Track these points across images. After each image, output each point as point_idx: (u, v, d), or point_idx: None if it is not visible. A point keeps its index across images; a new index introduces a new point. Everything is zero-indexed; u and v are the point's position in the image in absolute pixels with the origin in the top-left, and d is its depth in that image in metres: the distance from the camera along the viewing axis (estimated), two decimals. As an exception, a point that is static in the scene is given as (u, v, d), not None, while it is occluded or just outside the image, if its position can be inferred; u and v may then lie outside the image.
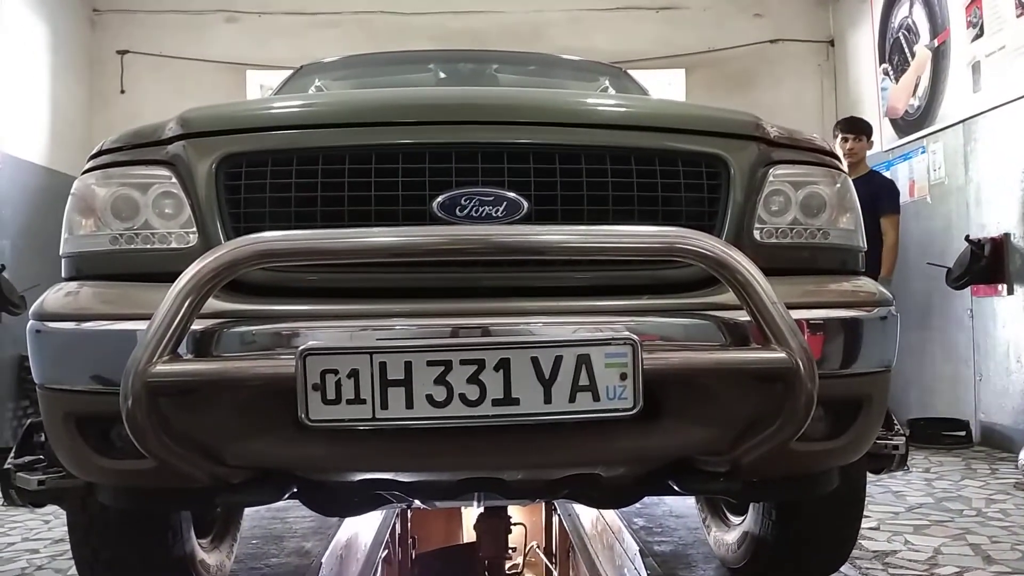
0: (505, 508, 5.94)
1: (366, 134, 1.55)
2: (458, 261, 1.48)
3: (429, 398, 1.29)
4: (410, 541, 5.38)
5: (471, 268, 1.51)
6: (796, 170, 1.67)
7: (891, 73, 5.88)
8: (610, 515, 3.18)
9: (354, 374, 1.28)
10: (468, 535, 6.66)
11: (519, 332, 1.37)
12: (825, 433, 1.58)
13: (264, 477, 1.47)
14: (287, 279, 1.50)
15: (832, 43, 6.81)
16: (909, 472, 3.98)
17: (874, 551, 2.69)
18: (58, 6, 6.02)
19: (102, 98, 6.37)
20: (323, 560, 2.33)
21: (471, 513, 6.63)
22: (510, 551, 6.61)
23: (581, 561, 3.84)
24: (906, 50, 5.64)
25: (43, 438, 1.77)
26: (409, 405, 1.29)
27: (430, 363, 1.29)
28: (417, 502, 1.94)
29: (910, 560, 2.61)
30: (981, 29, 4.75)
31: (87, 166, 1.66)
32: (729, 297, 1.44)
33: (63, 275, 1.66)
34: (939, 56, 5.22)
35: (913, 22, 5.55)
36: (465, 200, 1.50)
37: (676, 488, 1.59)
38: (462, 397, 1.29)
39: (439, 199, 1.50)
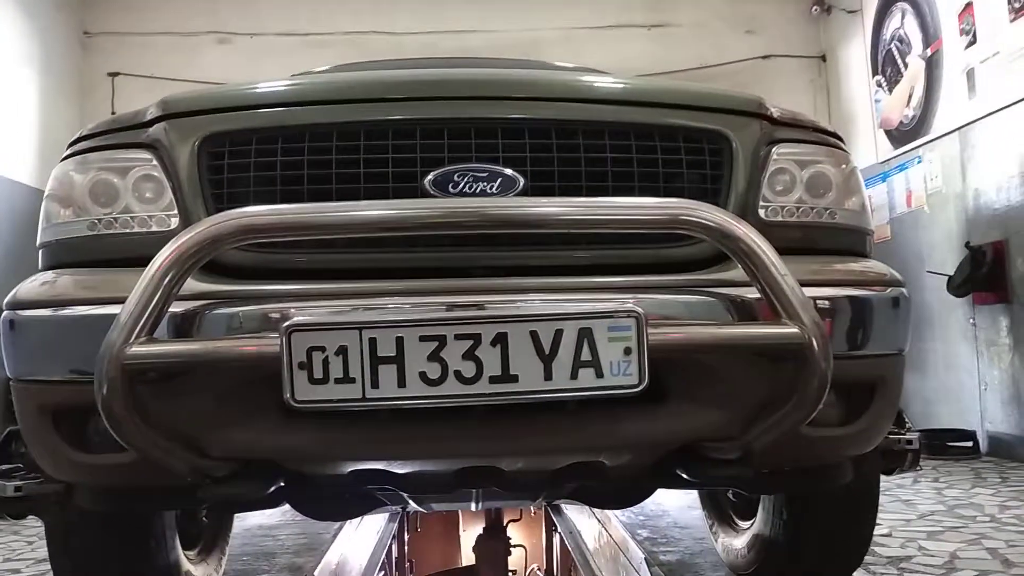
0: (504, 529, 5.85)
1: (354, 110, 1.50)
2: (453, 238, 1.42)
3: (422, 376, 1.21)
4: (407, 565, 5.25)
5: (466, 246, 1.44)
6: (801, 149, 1.63)
7: (884, 85, 5.88)
8: (614, 527, 3.09)
9: (342, 351, 1.21)
10: (467, 559, 6.54)
11: (517, 307, 1.29)
12: (838, 418, 1.51)
13: (248, 469, 1.38)
14: (273, 260, 1.43)
15: (824, 58, 6.84)
16: (918, 482, 3.90)
17: (888, 556, 2.60)
18: (49, 28, 6.01)
19: (92, 119, 6.27)
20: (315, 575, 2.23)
21: (470, 536, 6.51)
22: (510, 574, 6.49)
23: (583, 578, 3.74)
24: (899, 61, 5.65)
25: (23, 448, 1.69)
26: (401, 384, 1.21)
27: (423, 338, 1.21)
28: (412, 504, 1.85)
29: (926, 565, 2.52)
30: (974, 36, 4.75)
31: (65, 153, 1.61)
32: (737, 274, 1.38)
33: (40, 267, 1.59)
34: (932, 65, 5.22)
35: (905, 33, 5.56)
36: (458, 176, 1.44)
37: (686, 477, 1.50)
38: (457, 374, 1.21)
39: (431, 175, 1.44)
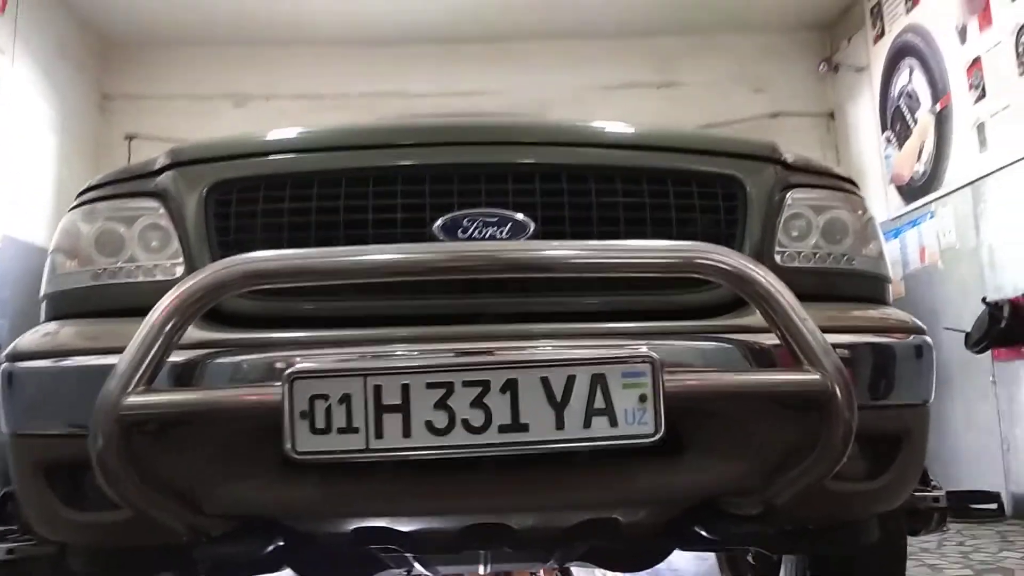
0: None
1: (362, 157, 1.49)
2: (462, 284, 1.39)
3: (429, 425, 1.17)
4: (415, 632, 5.09)
5: (476, 293, 1.41)
6: (816, 194, 1.61)
7: (894, 140, 5.90)
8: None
9: (346, 399, 1.16)
10: (477, 627, 6.34)
11: (527, 352, 1.25)
12: (864, 472, 1.45)
13: (247, 528, 1.33)
14: (277, 308, 1.40)
15: (832, 115, 6.88)
16: (943, 546, 3.76)
17: (917, 623, 2.48)
18: (68, 91, 6.13)
19: (108, 181, 6.40)
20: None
21: (480, 603, 6.34)
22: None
23: (597, 647, 3.59)
24: (908, 117, 5.67)
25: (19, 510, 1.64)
26: (407, 434, 1.16)
27: (429, 385, 1.17)
28: (418, 567, 1.78)
29: (957, 632, 2.40)
30: (983, 90, 4.77)
31: (73, 204, 1.61)
32: (755, 320, 1.34)
33: (42, 319, 1.57)
34: (942, 120, 5.23)
35: (913, 89, 5.59)
36: (468, 221, 1.42)
37: (705, 535, 1.43)
38: (465, 423, 1.17)
39: (440, 221, 1.42)
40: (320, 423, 1.16)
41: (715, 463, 1.33)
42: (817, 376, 1.24)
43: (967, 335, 4.65)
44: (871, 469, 1.45)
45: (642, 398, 1.19)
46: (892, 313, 1.58)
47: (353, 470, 1.25)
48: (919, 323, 1.56)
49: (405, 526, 1.39)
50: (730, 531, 1.41)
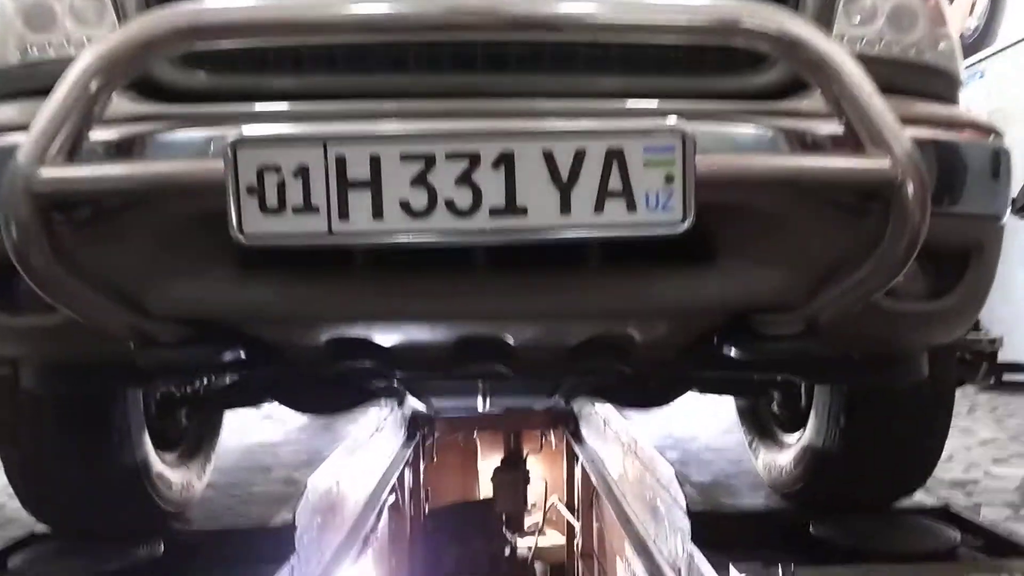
0: (523, 460, 5.67)
1: None
2: (452, 56, 1.15)
3: (404, 205, 0.96)
4: (423, 493, 5.08)
5: (471, 69, 1.16)
6: None
7: (945, -8, 5.41)
8: (640, 447, 2.85)
9: (303, 172, 0.95)
10: (485, 492, 6.40)
11: (527, 122, 1.01)
12: (924, 291, 1.25)
13: (201, 333, 1.15)
14: (225, 84, 1.17)
15: (878, -33, 6.33)
16: (974, 412, 3.61)
17: (951, 480, 2.33)
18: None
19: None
20: (307, 483, 2.00)
21: (488, 467, 6.37)
22: (529, 507, 6.34)
23: (606, 505, 3.53)
24: (963, -36, 5.18)
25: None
26: (377, 214, 0.96)
27: (405, 157, 0.95)
28: (411, 398, 1.62)
29: (995, 488, 2.26)
30: (1053, -73, 4.29)
31: None
32: (811, 105, 1.11)
33: None
34: (1002, -35, 4.76)
35: (971, -67, 5.08)
36: None
37: (736, 351, 1.22)
38: (449, 204, 0.96)
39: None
40: (272, 201, 0.96)
41: (751, 270, 1.12)
42: (885, 162, 1.01)
43: (1013, 200, 4.34)
44: (932, 288, 1.25)
45: (668, 178, 0.97)
46: (966, 112, 1.34)
47: (318, 263, 1.06)
48: (997, 126, 1.32)
49: (384, 339, 1.20)
50: (763, 350, 1.21)
